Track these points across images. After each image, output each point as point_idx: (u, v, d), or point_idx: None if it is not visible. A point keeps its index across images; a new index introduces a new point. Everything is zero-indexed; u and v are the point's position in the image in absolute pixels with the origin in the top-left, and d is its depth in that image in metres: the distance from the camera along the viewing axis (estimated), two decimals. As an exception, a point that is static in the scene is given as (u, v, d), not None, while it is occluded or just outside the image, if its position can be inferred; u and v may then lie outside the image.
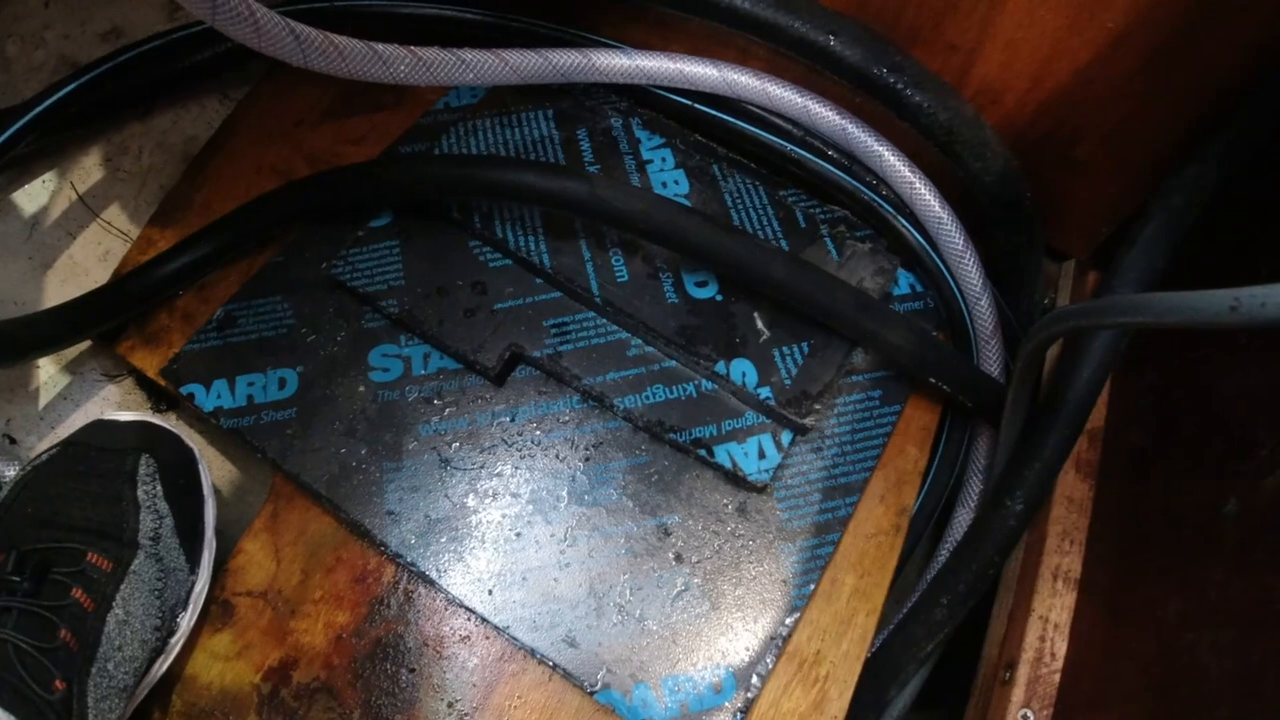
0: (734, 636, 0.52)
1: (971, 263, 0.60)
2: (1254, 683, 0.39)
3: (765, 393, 0.55)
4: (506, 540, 0.53)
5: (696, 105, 0.63)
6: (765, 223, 0.61)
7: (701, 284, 0.58)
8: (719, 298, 0.58)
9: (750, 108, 0.63)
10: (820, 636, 0.55)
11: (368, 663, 0.52)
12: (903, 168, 0.60)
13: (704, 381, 0.56)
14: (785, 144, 0.62)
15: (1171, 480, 0.50)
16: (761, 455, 0.55)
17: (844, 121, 0.60)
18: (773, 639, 0.52)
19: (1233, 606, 0.43)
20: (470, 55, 0.58)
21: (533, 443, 0.55)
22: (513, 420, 0.56)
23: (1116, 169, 0.60)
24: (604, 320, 0.57)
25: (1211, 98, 0.53)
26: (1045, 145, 0.60)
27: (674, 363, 0.57)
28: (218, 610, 0.54)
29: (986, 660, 0.55)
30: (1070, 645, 0.50)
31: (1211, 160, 0.53)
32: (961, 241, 0.60)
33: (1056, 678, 0.50)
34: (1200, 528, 0.46)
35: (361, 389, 0.56)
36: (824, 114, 0.61)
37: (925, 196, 0.60)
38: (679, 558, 0.54)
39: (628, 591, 0.53)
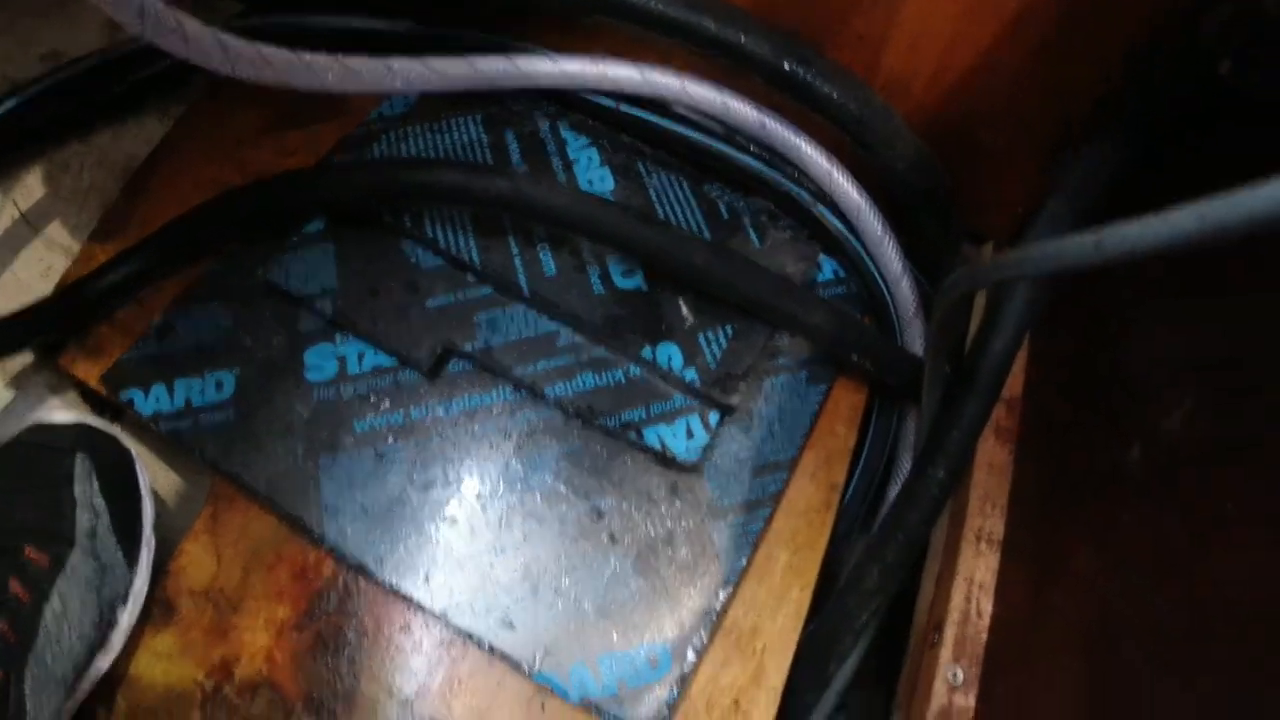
0: (668, 613, 0.53)
1: (890, 248, 0.62)
2: (1163, 623, 0.40)
3: (691, 375, 0.57)
4: (442, 529, 0.54)
5: (621, 107, 0.65)
6: (689, 216, 0.63)
7: (628, 274, 0.60)
8: (644, 287, 0.60)
9: (673, 107, 0.65)
10: (756, 611, 0.56)
11: (309, 656, 0.53)
12: (820, 159, 0.62)
13: (632, 367, 0.58)
14: (708, 140, 0.65)
15: (1083, 439, 0.52)
16: (690, 435, 0.56)
17: (762, 116, 0.63)
18: (706, 613, 0.53)
19: (1138, 550, 0.44)
20: (398, 64, 0.60)
21: (467, 434, 0.57)
22: (446, 413, 0.57)
23: (1026, 151, 0.62)
24: (533, 313, 0.59)
25: (1110, 76, 0.55)
26: (956, 131, 0.62)
27: (602, 350, 0.58)
28: (160, 611, 0.54)
29: (917, 625, 0.56)
30: (996, 604, 0.52)
31: (1112, 138, 0.55)
32: (880, 228, 0.62)
33: (984, 636, 0.51)
34: (1107, 477, 0.48)
35: (298, 388, 0.57)
36: (742, 110, 0.63)
37: (843, 185, 0.62)
38: (613, 539, 0.55)
39: (563, 574, 0.54)
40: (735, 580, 0.54)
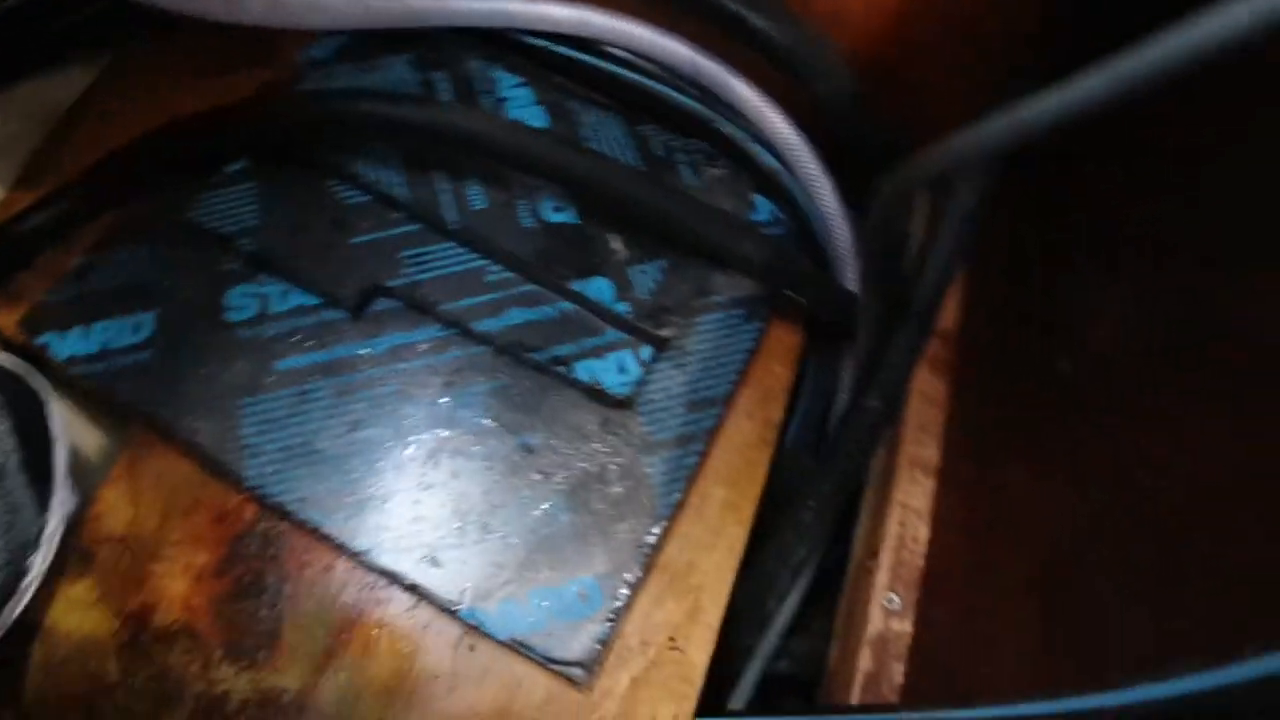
0: (599, 548, 0.52)
1: (826, 186, 0.61)
2: (1088, 529, 0.40)
3: (623, 307, 0.56)
4: (366, 467, 0.53)
5: (554, 47, 0.64)
6: (623, 154, 0.62)
7: (559, 209, 0.59)
8: (576, 220, 0.59)
9: (608, 47, 0.64)
10: (692, 548, 0.55)
11: (228, 602, 0.51)
12: (755, 98, 0.61)
13: (563, 303, 0.57)
14: (643, 80, 0.64)
15: (1014, 362, 0.51)
16: (621, 370, 0.55)
17: (695, 55, 0.62)
18: (639, 547, 0.52)
19: (1062, 461, 0.44)
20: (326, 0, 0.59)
21: (392, 372, 0.55)
22: (372, 351, 0.55)
23: (961, 90, 0.61)
24: (462, 249, 0.58)
25: (1040, 13, 0.55)
26: (893, 66, 0.62)
27: (532, 285, 0.57)
28: (77, 559, 0.52)
29: (855, 555, 0.55)
30: (932, 529, 0.51)
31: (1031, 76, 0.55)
32: (816, 167, 0.61)
33: (920, 561, 0.51)
34: (1035, 393, 0.47)
35: (219, 329, 0.55)
36: (676, 49, 0.62)
37: (777, 124, 0.61)
38: (543, 474, 0.53)
39: (491, 510, 0.52)
40: (668, 515, 0.53)
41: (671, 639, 0.53)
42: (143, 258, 0.58)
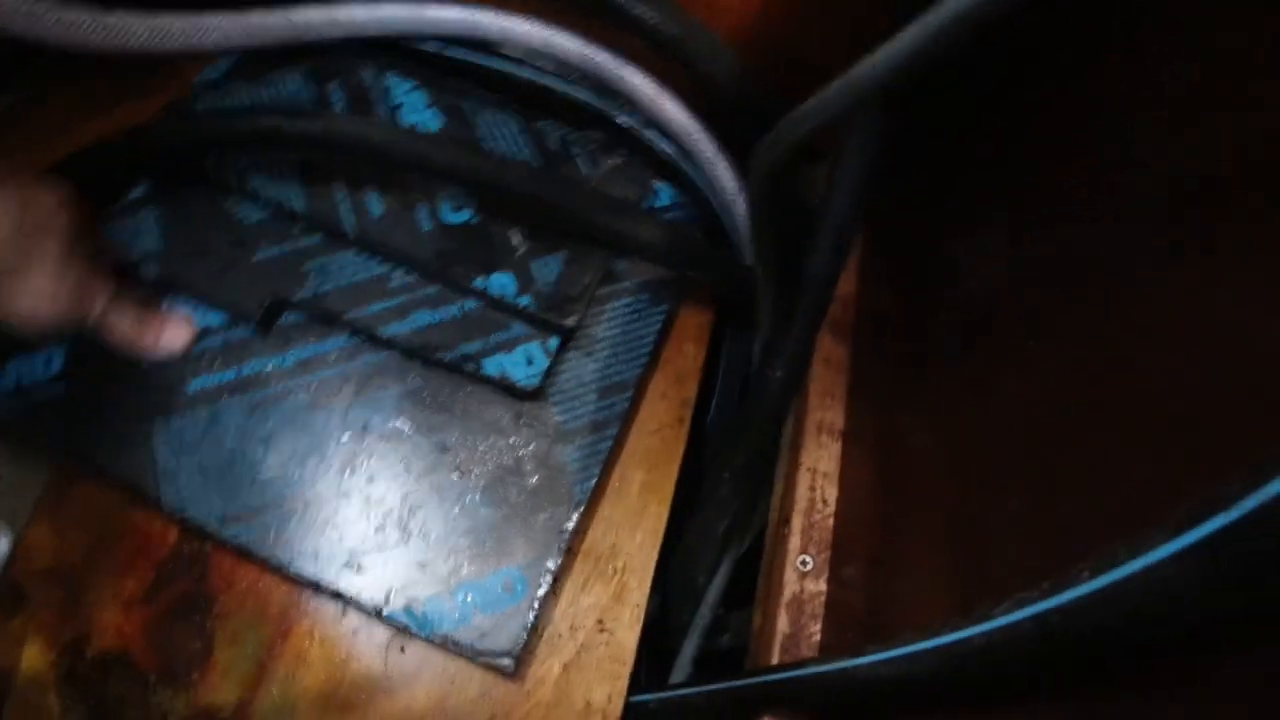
0: (520, 538, 0.53)
1: (723, 168, 0.62)
2: (977, 473, 0.41)
3: (526, 301, 0.56)
4: (282, 480, 0.53)
5: (447, 52, 0.64)
6: (519, 150, 0.62)
7: (457, 209, 0.59)
8: (475, 220, 0.59)
9: (499, 47, 0.64)
10: (614, 531, 0.55)
11: (160, 627, 0.52)
12: (647, 86, 0.62)
13: (467, 302, 0.57)
14: (536, 76, 0.64)
15: (906, 320, 0.52)
16: (530, 362, 0.56)
17: (586, 48, 0.62)
18: (560, 534, 0.53)
19: (946, 411, 0.45)
20: (210, 20, 0.59)
21: (303, 384, 0.56)
22: (281, 365, 0.56)
23: (843, 59, 0.62)
24: (363, 256, 0.58)
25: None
26: (777, 46, 0.62)
27: (435, 287, 0.58)
28: (10, 596, 0.53)
29: (771, 522, 0.56)
30: (840, 490, 0.52)
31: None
32: (712, 150, 0.62)
33: (830, 522, 0.51)
34: (923, 349, 0.48)
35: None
36: (567, 43, 0.62)
37: (671, 110, 0.62)
38: (460, 471, 0.54)
39: (410, 512, 0.53)
40: (586, 500, 0.54)
41: (600, 621, 0.53)
42: (48, 293, 0.58)
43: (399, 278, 0.58)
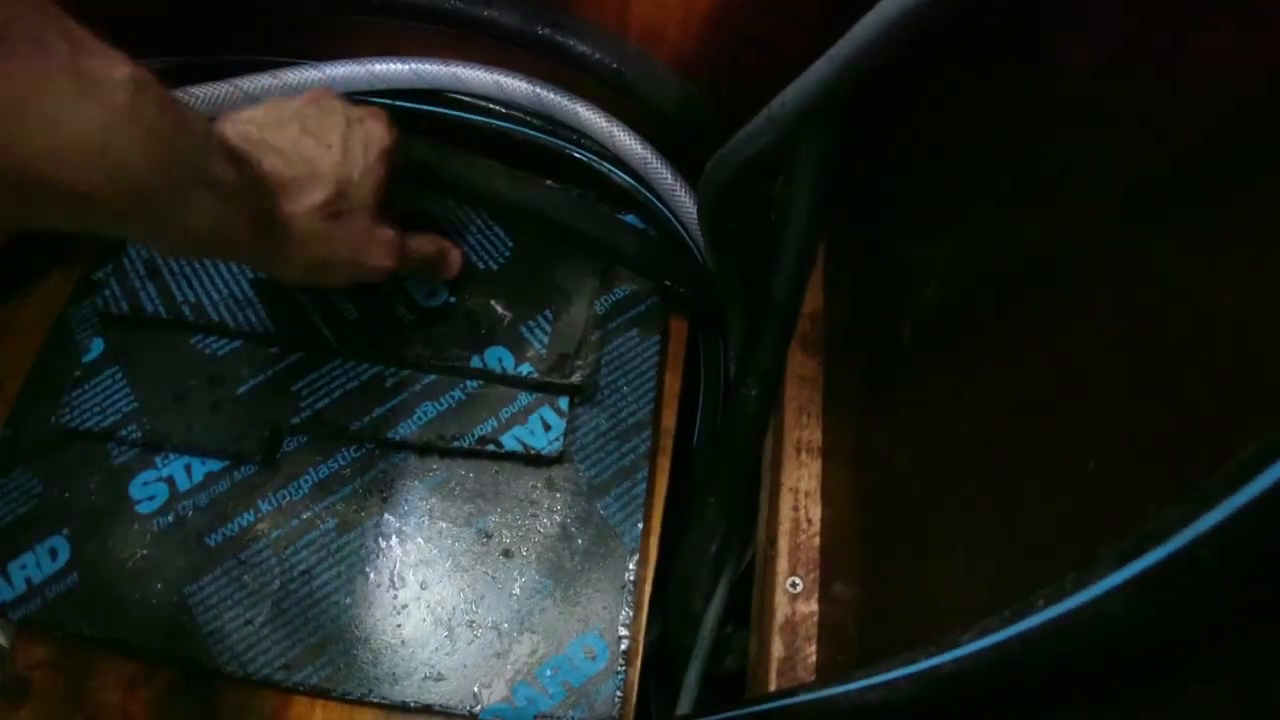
0: (587, 602, 0.53)
1: (684, 193, 0.61)
2: (939, 484, 0.41)
3: (526, 369, 0.56)
4: (336, 610, 0.52)
5: (397, 103, 0.62)
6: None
7: (430, 295, 0.58)
8: (450, 300, 0.58)
9: (447, 94, 0.62)
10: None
11: (160, 704, 0.51)
12: (599, 119, 0.61)
13: (468, 382, 0.56)
14: (488, 120, 0.62)
15: (872, 333, 0.53)
16: (547, 428, 0.55)
17: (535, 88, 0.60)
18: (623, 588, 0.53)
19: (909, 421, 0.45)
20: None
21: (326, 508, 0.54)
22: (297, 494, 0.54)
23: (793, 69, 0.62)
24: (350, 363, 0.56)
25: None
26: (722, 67, 0.61)
27: (433, 376, 0.56)
28: (15, 688, 0.52)
29: (758, 545, 0.57)
30: (824, 509, 0.52)
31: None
32: (670, 176, 0.61)
33: (816, 540, 0.52)
34: (890, 363, 0.48)
35: (135, 526, 0.53)
36: (515, 85, 0.61)
37: (626, 141, 0.61)
38: (508, 553, 0.54)
39: (471, 606, 0.53)
40: (638, 547, 0.54)
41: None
42: (30, 481, 0.55)
43: (393, 375, 0.56)
